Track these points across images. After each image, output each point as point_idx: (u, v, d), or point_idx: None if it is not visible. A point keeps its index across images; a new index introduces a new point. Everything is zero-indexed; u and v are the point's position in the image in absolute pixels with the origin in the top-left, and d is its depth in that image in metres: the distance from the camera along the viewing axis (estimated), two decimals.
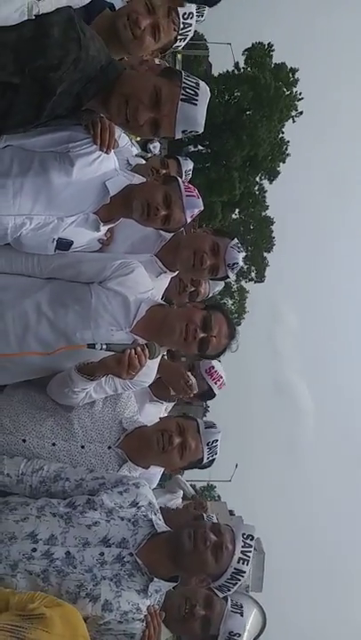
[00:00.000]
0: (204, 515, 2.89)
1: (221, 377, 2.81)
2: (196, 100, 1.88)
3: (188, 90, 1.87)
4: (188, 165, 3.94)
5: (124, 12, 1.97)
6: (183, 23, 2.10)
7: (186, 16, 2.13)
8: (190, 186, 2.26)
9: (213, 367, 2.76)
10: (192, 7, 2.20)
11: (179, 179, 2.26)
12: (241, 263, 2.55)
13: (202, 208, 2.32)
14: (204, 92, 1.91)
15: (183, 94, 1.86)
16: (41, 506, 1.96)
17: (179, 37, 2.12)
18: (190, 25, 2.16)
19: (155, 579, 1.95)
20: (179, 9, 2.07)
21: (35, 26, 1.59)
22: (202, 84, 1.93)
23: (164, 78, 1.89)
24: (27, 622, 1.62)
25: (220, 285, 3.26)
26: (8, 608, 1.72)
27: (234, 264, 2.50)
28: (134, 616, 1.91)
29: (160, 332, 2.18)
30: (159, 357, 2.19)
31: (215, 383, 2.79)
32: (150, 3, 1.97)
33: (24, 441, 2.13)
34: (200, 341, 2.21)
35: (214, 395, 2.90)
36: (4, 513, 1.94)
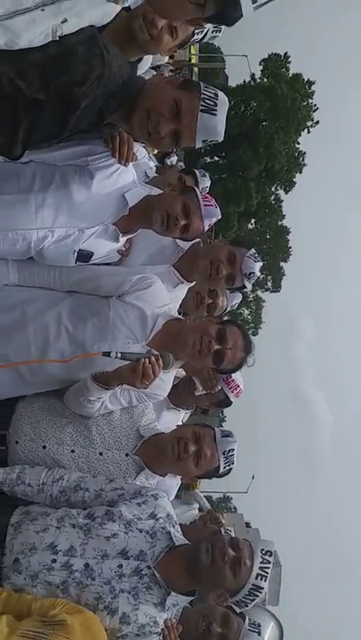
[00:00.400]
0: (222, 529, 2.87)
1: (238, 386, 2.80)
2: (216, 110, 1.91)
3: (207, 100, 1.91)
4: (205, 183, 3.95)
5: (139, 12, 1.98)
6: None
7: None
8: (208, 195, 2.29)
9: (231, 377, 2.76)
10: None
11: (196, 189, 2.30)
12: (258, 273, 2.56)
13: (220, 217, 2.34)
14: (223, 102, 1.95)
15: (203, 105, 1.90)
16: (61, 517, 1.97)
17: (196, 31, 2.14)
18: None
19: (172, 592, 1.94)
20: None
21: (59, 45, 1.63)
22: (220, 94, 1.97)
23: (183, 90, 1.92)
24: (48, 628, 1.63)
25: (237, 298, 3.26)
26: (30, 614, 1.74)
27: (250, 273, 2.51)
28: (151, 629, 1.90)
29: (175, 344, 2.19)
30: (174, 372, 2.20)
31: (232, 392, 2.78)
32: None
33: (44, 447, 2.16)
34: (215, 354, 2.21)
35: (231, 403, 2.90)
36: (24, 523, 1.96)
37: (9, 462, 2.17)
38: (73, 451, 2.17)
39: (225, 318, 2.89)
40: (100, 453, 2.19)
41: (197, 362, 2.34)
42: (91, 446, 2.19)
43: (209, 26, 2.18)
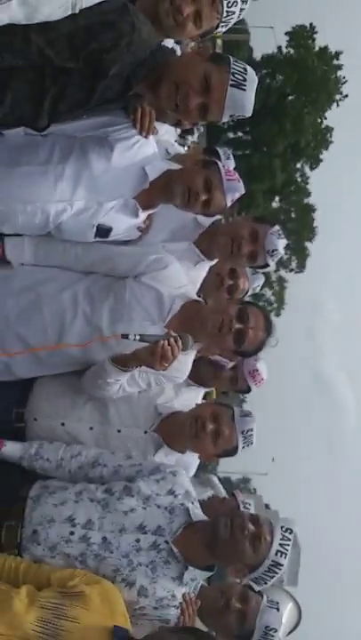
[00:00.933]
0: (241, 503, 2.87)
1: (263, 379, 2.74)
2: (245, 86, 1.90)
3: (236, 75, 1.89)
4: (230, 165, 3.85)
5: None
6: (227, 11, 2.08)
7: (230, 4, 2.12)
8: (231, 170, 2.23)
9: (258, 370, 2.68)
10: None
11: (218, 162, 2.23)
12: (281, 251, 2.48)
13: (243, 192, 2.27)
14: (252, 77, 1.93)
15: (232, 80, 1.89)
16: (79, 490, 1.99)
17: (221, 24, 2.10)
18: (234, 13, 2.13)
19: (190, 567, 1.95)
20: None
21: (89, 13, 1.62)
22: (249, 69, 1.94)
23: (213, 64, 1.90)
24: (67, 600, 1.66)
25: (260, 280, 3.17)
26: (49, 584, 1.77)
27: (273, 251, 2.44)
28: (169, 602, 1.92)
29: (194, 326, 2.15)
30: (193, 353, 2.18)
31: (255, 384, 2.73)
32: None
33: (63, 424, 2.17)
34: (236, 333, 2.16)
35: (250, 390, 2.86)
36: (43, 496, 1.98)
37: (27, 439, 2.18)
38: (91, 428, 2.18)
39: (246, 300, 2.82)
40: (119, 431, 2.20)
41: (218, 342, 2.29)
42: (109, 424, 2.20)
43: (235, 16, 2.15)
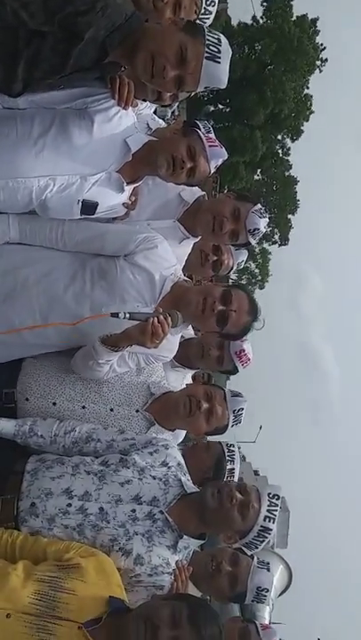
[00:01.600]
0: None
1: (249, 359, 2.76)
2: (220, 58, 1.91)
3: (211, 47, 1.90)
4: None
5: None
6: (205, 9, 2.09)
7: (209, 2, 2.14)
8: (211, 136, 2.22)
9: (244, 350, 2.69)
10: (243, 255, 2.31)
11: (199, 130, 2.21)
12: (263, 229, 2.50)
13: (225, 157, 2.27)
14: (226, 48, 1.93)
15: (207, 52, 1.89)
16: (76, 464, 2.03)
17: (197, 21, 2.13)
18: (210, 13, 2.19)
19: (184, 536, 2.01)
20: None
21: None
22: (223, 40, 1.93)
23: (188, 35, 1.88)
24: (63, 572, 1.70)
25: (243, 255, 3.18)
26: (45, 558, 1.80)
27: (255, 230, 2.45)
28: (164, 570, 1.98)
29: (180, 306, 2.16)
30: (180, 332, 2.19)
31: (242, 365, 2.75)
32: None
33: (54, 404, 2.18)
34: (219, 314, 2.18)
35: (237, 371, 2.90)
36: (40, 470, 2.01)
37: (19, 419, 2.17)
38: (84, 407, 2.20)
39: (231, 281, 2.82)
40: (111, 409, 2.22)
41: (201, 323, 2.33)
42: (102, 402, 2.21)
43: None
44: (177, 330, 2.13)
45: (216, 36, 1.92)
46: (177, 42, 1.86)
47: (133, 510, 1.98)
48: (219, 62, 1.90)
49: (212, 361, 2.72)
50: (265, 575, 2.24)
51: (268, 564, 2.30)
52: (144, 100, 2.35)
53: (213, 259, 2.69)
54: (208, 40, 1.89)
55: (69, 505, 1.94)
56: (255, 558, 2.25)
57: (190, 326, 2.93)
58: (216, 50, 1.89)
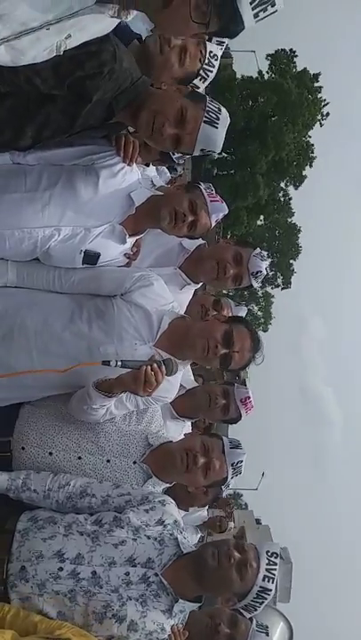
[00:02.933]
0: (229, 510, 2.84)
1: (253, 406, 2.76)
2: (217, 124, 1.99)
3: (210, 113, 1.98)
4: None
5: (157, 36, 2.12)
6: (208, 59, 2.23)
7: (212, 54, 2.26)
8: (213, 192, 2.28)
9: (250, 397, 2.70)
10: (219, 49, 2.31)
11: (201, 186, 2.29)
12: (265, 271, 2.53)
13: (226, 212, 2.33)
14: (225, 117, 2.02)
15: (206, 117, 1.97)
16: (68, 524, 1.97)
17: (201, 73, 2.25)
18: (213, 67, 2.30)
19: (179, 599, 1.93)
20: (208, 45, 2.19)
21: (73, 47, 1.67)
22: (223, 110, 2.03)
23: (190, 100, 1.98)
24: None
25: (243, 311, 3.21)
26: (36, 632, 1.73)
27: (257, 272, 2.49)
28: (159, 636, 1.89)
29: (182, 345, 2.17)
30: (181, 373, 2.18)
31: (246, 412, 2.74)
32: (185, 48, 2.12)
33: (50, 454, 2.14)
34: (222, 357, 2.19)
35: (240, 420, 2.86)
36: (32, 531, 1.95)
37: (14, 468, 2.14)
38: (80, 458, 2.15)
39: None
40: (108, 460, 2.17)
41: (205, 364, 2.35)
42: (98, 453, 2.17)
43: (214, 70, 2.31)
44: (175, 372, 2.11)
45: (216, 106, 2.01)
46: (178, 104, 1.95)
47: (127, 573, 1.90)
48: (216, 127, 1.98)
49: (218, 410, 2.71)
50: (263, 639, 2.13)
51: (268, 627, 2.19)
52: (147, 165, 2.43)
53: (213, 313, 2.69)
54: (208, 107, 1.98)
55: (60, 569, 1.87)
56: (254, 621, 2.15)
57: (191, 373, 2.92)
58: (215, 116, 1.98)
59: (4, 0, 1.44)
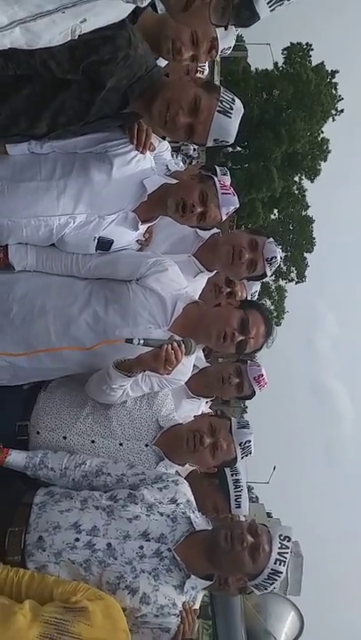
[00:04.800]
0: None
1: (266, 382, 2.78)
2: (231, 114, 1.99)
3: (224, 103, 1.99)
4: (226, 182, 3.92)
5: (170, 33, 2.13)
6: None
7: (224, 51, 2.33)
8: (226, 184, 2.28)
9: (263, 375, 2.73)
10: (230, 41, 2.37)
11: (215, 177, 2.29)
12: (279, 257, 2.54)
13: (237, 205, 2.32)
14: (239, 108, 2.03)
15: (220, 107, 1.98)
16: (84, 498, 2.01)
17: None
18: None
19: (191, 576, 1.97)
20: (219, 42, 2.22)
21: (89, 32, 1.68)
22: (237, 100, 2.04)
23: (204, 90, 1.99)
24: (70, 615, 1.67)
25: (256, 286, 3.22)
26: (52, 598, 1.77)
27: (272, 258, 2.49)
28: (170, 611, 1.93)
29: (197, 331, 2.20)
30: (195, 355, 2.21)
31: (260, 389, 2.76)
32: (196, 35, 2.14)
33: (64, 438, 2.19)
34: (238, 344, 2.22)
35: (254, 396, 2.90)
36: (49, 504, 2.00)
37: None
38: (93, 441, 2.20)
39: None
40: (121, 444, 2.22)
41: (220, 350, 2.37)
42: (111, 437, 2.21)
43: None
44: (191, 355, 2.14)
45: (230, 96, 2.02)
46: (192, 93, 1.96)
47: (141, 547, 1.95)
48: (230, 117, 1.99)
49: (232, 388, 2.73)
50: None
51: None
52: (163, 138, 2.44)
53: (227, 290, 2.73)
54: (222, 97, 1.99)
55: (77, 540, 1.92)
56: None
57: (201, 352, 2.95)
58: (228, 106, 1.99)
59: None
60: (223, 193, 2.22)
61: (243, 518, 2.61)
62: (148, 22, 2.07)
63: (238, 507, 2.56)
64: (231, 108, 1.99)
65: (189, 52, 2.17)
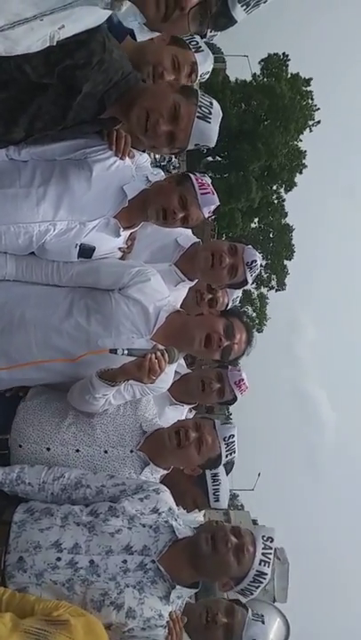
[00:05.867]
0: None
1: (247, 387, 2.80)
2: (210, 118, 2.01)
3: (203, 108, 2.00)
4: (203, 180, 3.96)
5: (151, 58, 2.17)
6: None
7: (203, 76, 2.39)
8: (204, 182, 2.28)
9: (243, 380, 2.74)
10: (209, 66, 2.43)
11: (192, 176, 2.28)
12: (259, 262, 2.56)
13: (218, 203, 2.33)
14: (217, 112, 2.04)
15: (199, 112, 2.00)
16: (64, 515, 1.98)
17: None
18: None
19: (176, 586, 1.95)
20: (198, 67, 2.28)
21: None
22: (215, 104, 2.06)
23: (182, 96, 2.00)
24: (51, 627, 1.63)
25: (237, 293, 3.24)
26: (33, 614, 1.73)
27: (252, 262, 2.50)
28: (157, 622, 1.91)
29: (179, 339, 2.20)
30: (176, 363, 2.22)
31: (241, 393, 2.78)
32: (177, 60, 2.18)
33: (48, 449, 2.16)
34: (224, 350, 2.23)
35: (236, 401, 2.91)
36: (28, 522, 1.96)
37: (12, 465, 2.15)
38: (78, 450, 2.17)
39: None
40: (105, 451, 2.20)
41: (204, 356, 2.39)
42: (95, 445, 2.19)
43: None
44: (177, 360, 2.15)
45: (208, 100, 2.03)
46: (171, 100, 1.96)
47: (124, 561, 1.92)
48: (209, 122, 2.00)
49: (214, 394, 2.74)
50: (260, 627, 2.16)
51: (263, 616, 2.23)
52: (143, 151, 2.47)
53: (209, 297, 2.74)
54: (200, 102, 2.00)
55: (59, 559, 1.88)
56: (250, 611, 2.18)
57: (183, 359, 2.95)
58: (207, 111, 2.00)
59: None
60: (202, 193, 2.22)
61: (222, 512, 2.61)
62: (128, 50, 2.09)
63: (217, 500, 2.55)
64: (210, 113, 2.01)
65: (171, 76, 2.20)
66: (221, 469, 2.54)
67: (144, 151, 2.54)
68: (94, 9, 1.64)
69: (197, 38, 2.58)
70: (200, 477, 2.53)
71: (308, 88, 29.60)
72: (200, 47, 2.41)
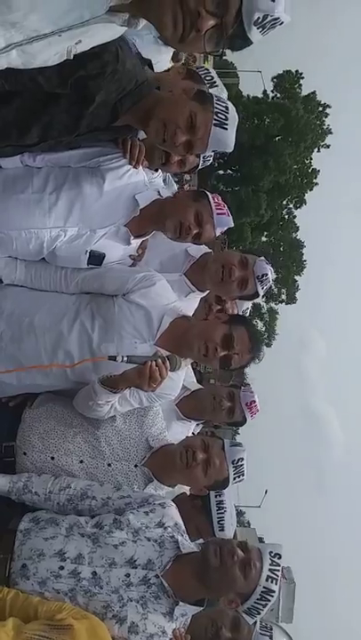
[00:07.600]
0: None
1: (258, 410, 2.75)
2: (227, 125, 2.03)
3: (219, 115, 2.01)
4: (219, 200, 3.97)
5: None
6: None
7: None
8: (220, 202, 2.29)
9: (255, 402, 2.69)
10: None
11: (209, 194, 2.30)
12: (270, 276, 2.52)
13: (232, 225, 2.34)
14: (233, 116, 2.05)
15: (215, 119, 2.01)
16: (69, 525, 1.96)
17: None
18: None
19: (180, 602, 1.91)
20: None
21: None
22: (231, 108, 2.06)
23: (197, 104, 2.02)
24: (54, 632, 1.62)
25: (247, 304, 3.20)
26: (36, 617, 1.72)
27: (263, 275, 2.47)
28: (160, 639, 1.87)
29: (181, 345, 2.18)
30: (184, 370, 2.19)
31: (251, 415, 2.73)
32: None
33: (52, 458, 2.15)
34: (222, 359, 2.19)
35: (245, 423, 2.86)
36: (33, 531, 1.95)
37: (17, 473, 2.15)
38: (82, 461, 2.16)
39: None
40: (109, 464, 2.18)
41: (205, 364, 2.35)
42: (100, 457, 2.17)
43: None
44: (177, 371, 2.11)
45: (224, 104, 2.04)
46: (187, 110, 1.98)
47: (127, 575, 1.89)
48: (226, 128, 2.02)
49: (224, 412, 2.69)
50: None
51: (272, 629, 2.15)
52: (155, 171, 2.48)
53: (217, 307, 2.71)
54: (216, 108, 2.01)
55: (61, 568, 1.86)
56: (258, 624, 2.11)
57: (193, 374, 2.92)
58: (224, 117, 2.01)
59: (16, 10, 1.47)
60: (218, 214, 2.24)
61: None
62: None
63: (222, 529, 2.47)
64: (227, 119, 2.02)
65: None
66: (228, 496, 2.48)
67: (156, 170, 2.57)
68: (111, 25, 1.66)
69: (213, 73, 2.59)
70: (204, 504, 2.48)
71: (325, 110, 29.74)
72: (215, 82, 2.43)
